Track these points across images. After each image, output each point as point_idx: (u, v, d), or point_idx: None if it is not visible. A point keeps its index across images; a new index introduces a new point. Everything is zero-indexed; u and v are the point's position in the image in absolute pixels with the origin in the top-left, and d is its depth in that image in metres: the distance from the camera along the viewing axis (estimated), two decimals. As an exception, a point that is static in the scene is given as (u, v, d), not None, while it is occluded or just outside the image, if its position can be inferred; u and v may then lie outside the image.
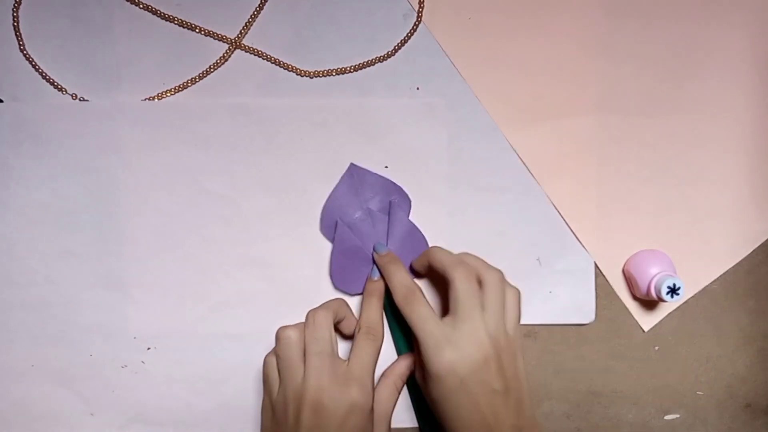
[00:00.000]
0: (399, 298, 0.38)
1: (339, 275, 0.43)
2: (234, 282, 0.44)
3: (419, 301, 0.38)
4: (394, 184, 0.43)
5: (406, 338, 0.43)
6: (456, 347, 0.35)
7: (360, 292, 0.43)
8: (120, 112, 0.43)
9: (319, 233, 0.44)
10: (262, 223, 0.44)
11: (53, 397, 0.44)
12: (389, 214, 0.43)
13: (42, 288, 0.43)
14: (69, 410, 0.44)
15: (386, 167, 0.44)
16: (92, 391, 0.44)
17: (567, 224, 0.45)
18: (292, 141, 0.44)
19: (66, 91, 0.43)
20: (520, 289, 0.46)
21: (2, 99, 0.42)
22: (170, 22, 0.43)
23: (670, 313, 0.47)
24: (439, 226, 0.45)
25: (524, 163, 0.45)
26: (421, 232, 0.43)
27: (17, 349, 0.43)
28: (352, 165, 0.43)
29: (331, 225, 0.43)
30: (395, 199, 0.43)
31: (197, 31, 0.43)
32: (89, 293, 0.43)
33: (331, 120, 0.44)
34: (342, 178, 0.43)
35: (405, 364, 0.41)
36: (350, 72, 0.44)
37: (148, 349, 0.44)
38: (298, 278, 0.44)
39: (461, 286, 0.37)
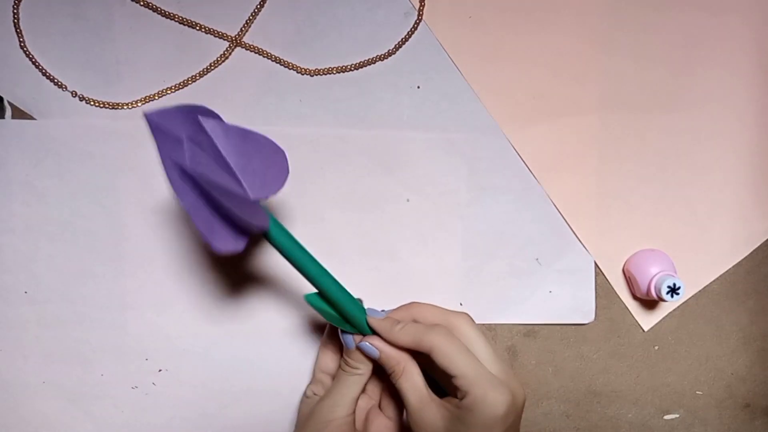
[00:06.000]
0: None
1: (213, 235, 0.31)
2: (249, 307, 0.44)
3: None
4: (192, 106, 0.32)
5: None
6: (508, 388, 0.33)
7: (239, 247, 0.32)
8: (142, 133, 0.43)
9: (335, 263, 0.43)
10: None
11: (62, 415, 0.43)
12: (205, 132, 0.31)
13: (58, 305, 0.43)
14: (77, 429, 0.43)
15: (408, 200, 0.44)
16: (101, 410, 0.43)
17: (567, 223, 0.45)
18: (313, 171, 0.44)
19: (66, 88, 0.43)
20: (520, 288, 0.46)
21: (35, 116, 0.42)
22: (171, 19, 0.43)
23: (670, 313, 0.47)
24: (441, 226, 0.45)
25: (524, 162, 0.45)
26: (256, 133, 0.33)
27: (30, 365, 0.43)
28: (145, 114, 0.31)
29: (183, 186, 0.31)
30: (203, 118, 0.32)
31: (198, 28, 0.43)
32: (104, 313, 0.43)
33: (352, 151, 0.44)
34: (153, 138, 0.32)
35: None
36: (351, 70, 0.44)
37: (160, 371, 0.43)
38: (311, 308, 0.44)
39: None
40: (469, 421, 0.33)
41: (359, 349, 0.37)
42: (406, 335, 0.35)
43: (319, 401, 0.38)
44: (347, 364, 0.38)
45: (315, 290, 0.37)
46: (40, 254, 0.43)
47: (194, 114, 0.32)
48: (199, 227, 0.31)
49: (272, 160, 0.33)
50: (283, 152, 0.33)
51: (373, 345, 0.36)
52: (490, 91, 0.45)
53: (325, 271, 0.35)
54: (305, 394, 0.40)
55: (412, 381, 0.35)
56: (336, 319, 0.37)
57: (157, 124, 0.32)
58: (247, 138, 0.32)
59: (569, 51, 0.45)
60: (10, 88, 0.42)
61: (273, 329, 0.44)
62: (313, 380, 0.40)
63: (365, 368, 0.37)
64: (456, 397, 0.34)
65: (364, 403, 0.40)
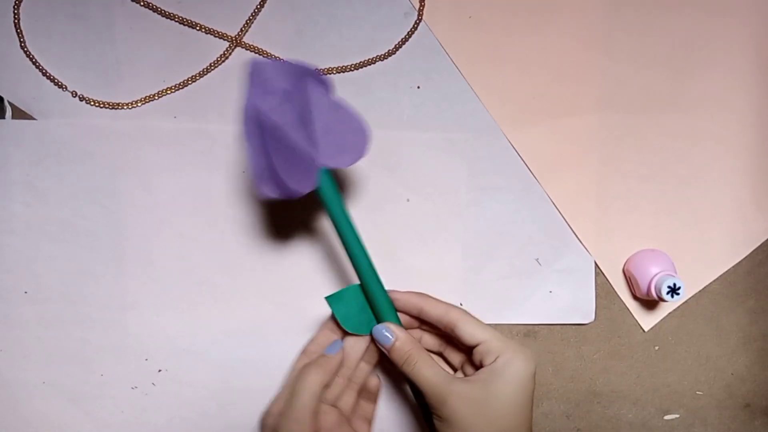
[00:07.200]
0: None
1: (261, 180, 0.36)
2: (248, 307, 0.44)
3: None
4: (306, 66, 0.36)
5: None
6: (529, 355, 0.36)
7: (308, 189, 0.35)
8: (142, 133, 0.43)
9: (339, 263, 0.44)
10: (279, 250, 0.44)
11: (62, 415, 0.43)
12: (306, 91, 0.36)
13: (58, 305, 0.43)
14: (77, 429, 0.43)
15: (408, 200, 0.44)
16: (101, 411, 0.43)
17: (567, 223, 0.45)
18: None
19: (66, 88, 0.43)
20: (520, 288, 0.46)
21: (35, 116, 0.42)
22: (171, 19, 0.43)
23: (670, 313, 0.47)
24: (441, 226, 0.45)
25: (524, 162, 0.45)
26: (349, 108, 0.36)
27: (30, 365, 0.43)
28: (252, 61, 0.36)
29: (254, 130, 0.36)
30: (310, 80, 0.36)
31: (198, 28, 0.43)
32: (104, 313, 0.43)
33: None
34: (248, 80, 0.36)
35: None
36: (351, 70, 0.44)
37: (159, 371, 0.43)
38: (313, 306, 0.44)
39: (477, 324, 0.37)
40: (506, 377, 0.35)
41: (373, 334, 0.37)
42: (438, 305, 0.38)
43: (276, 419, 0.36)
44: (309, 348, 0.39)
45: (333, 292, 0.38)
46: (41, 254, 0.43)
47: (304, 75, 0.36)
48: (253, 168, 0.36)
49: (353, 138, 0.36)
50: (366, 135, 0.36)
51: (390, 329, 0.37)
52: (490, 91, 0.45)
53: (361, 243, 0.37)
54: (268, 413, 0.38)
55: (429, 365, 0.36)
56: (352, 321, 0.38)
57: (257, 69, 0.36)
58: (339, 110, 0.36)
59: (569, 52, 0.45)
60: (10, 88, 0.42)
61: (273, 329, 0.44)
62: (280, 396, 0.38)
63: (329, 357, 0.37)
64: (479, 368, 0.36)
65: (334, 417, 0.38)
